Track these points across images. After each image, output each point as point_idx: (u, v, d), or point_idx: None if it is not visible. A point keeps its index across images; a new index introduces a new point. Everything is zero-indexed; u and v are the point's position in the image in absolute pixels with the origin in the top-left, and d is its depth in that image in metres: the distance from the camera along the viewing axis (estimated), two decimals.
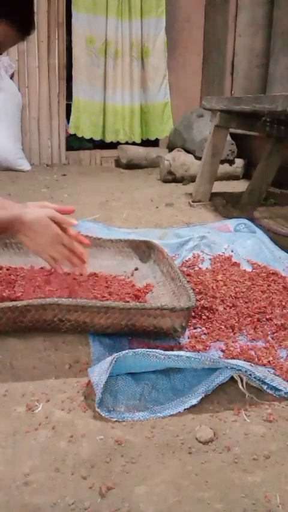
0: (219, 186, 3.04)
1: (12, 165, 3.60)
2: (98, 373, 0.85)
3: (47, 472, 0.70)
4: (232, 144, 3.47)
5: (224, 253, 1.58)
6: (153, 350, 0.89)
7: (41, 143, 4.06)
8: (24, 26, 0.95)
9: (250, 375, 0.90)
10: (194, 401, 0.85)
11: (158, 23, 4.14)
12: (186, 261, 1.53)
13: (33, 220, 1.05)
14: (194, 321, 1.15)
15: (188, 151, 3.48)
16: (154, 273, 1.37)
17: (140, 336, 1.06)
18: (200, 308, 1.19)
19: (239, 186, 3.20)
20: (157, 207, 2.51)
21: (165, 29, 4.16)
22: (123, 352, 0.87)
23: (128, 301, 1.19)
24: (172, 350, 1.00)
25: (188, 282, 1.16)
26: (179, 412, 0.84)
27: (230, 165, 3.49)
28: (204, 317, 1.17)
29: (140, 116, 4.26)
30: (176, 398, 0.87)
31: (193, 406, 0.85)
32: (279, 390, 0.90)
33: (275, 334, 1.12)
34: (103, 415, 0.81)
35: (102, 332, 1.05)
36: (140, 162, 3.96)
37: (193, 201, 2.62)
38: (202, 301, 1.21)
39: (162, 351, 0.89)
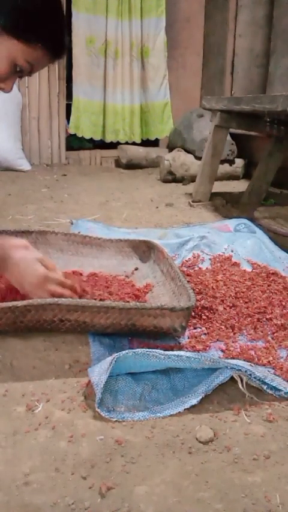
0: (219, 186, 3.04)
1: (12, 165, 3.60)
2: (98, 373, 0.85)
3: (47, 472, 0.70)
4: (232, 144, 3.47)
5: (224, 253, 1.58)
6: (153, 350, 0.89)
7: (41, 143, 4.06)
8: (57, 50, 0.98)
9: (250, 375, 0.90)
10: (194, 401, 0.85)
11: (158, 23, 4.14)
12: (186, 261, 1.53)
13: (19, 261, 1.06)
14: (194, 321, 1.15)
15: (188, 151, 3.48)
16: (154, 273, 1.37)
17: (140, 336, 1.06)
18: (200, 308, 1.19)
19: (239, 186, 3.20)
20: (157, 207, 2.51)
21: (165, 29, 4.16)
22: (123, 352, 0.87)
23: (128, 301, 1.19)
24: (172, 350, 1.00)
25: (188, 281, 1.16)
26: (179, 412, 0.84)
27: (230, 165, 3.49)
28: (204, 317, 1.17)
29: (140, 115, 4.26)
30: (176, 398, 0.87)
31: (193, 406, 0.85)
32: (279, 390, 0.90)
33: (275, 334, 1.12)
34: (103, 415, 0.81)
35: (102, 332, 1.05)
36: (140, 162, 3.96)
37: (193, 201, 2.62)
38: (202, 301, 1.21)
39: (162, 351, 0.89)
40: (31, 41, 0.93)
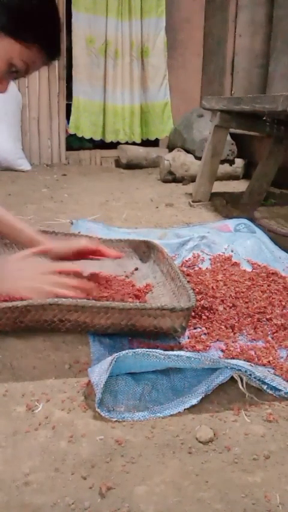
0: (219, 186, 3.04)
1: (12, 165, 3.60)
2: (98, 373, 0.85)
3: (47, 472, 0.70)
4: (232, 144, 3.47)
5: (224, 253, 1.58)
6: (153, 350, 0.89)
7: (41, 143, 4.06)
8: (52, 51, 0.99)
9: (250, 375, 0.90)
10: (194, 401, 0.85)
11: (158, 23, 4.14)
12: (186, 261, 1.53)
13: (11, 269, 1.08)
14: (194, 321, 1.15)
15: (188, 151, 3.48)
16: (154, 273, 1.37)
17: (140, 336, 1.06)
18: (200, 308, 1.19)
19: (239, 186, 3.20)
20: (157, 207, 2.51)
21: (165, 29, 4.16)
22: (123, 352, 0.87)
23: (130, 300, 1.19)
24: (172, 350, 1.00)
25: (188, 281, 1.16)
26: (179, 412, 0.84)
27: (230, 165, 3.49)
28: (204, 317, 1.17)
29: (140, 116, 4.26)
30: (176, 398, 0.87)
31: (193, 406, 0.85)
32: (279, 390, 0.90)
33: (275, 334, 1.12)
34: (103, 415, 0.81)
35: (102, 332, 1.05)
36: (140, 162, 3.96)
37: (193, 201, 2.62)
38: (202, 301, 1.21)
39: (162, 351, 0.89)
40: (27, 41, 0.94)
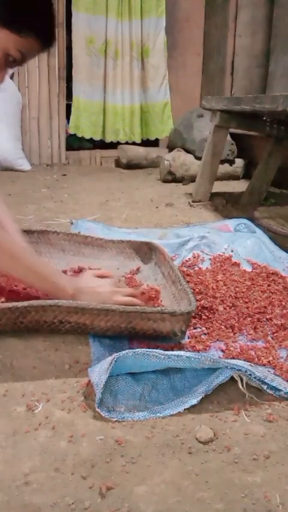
0: (219, 186, 3.04)
1: (12, 165, 3.60)
2: (98, 373, 0.85)
3: (47, 472, 0.70)
4: (232, 144, 3.47)
5: (224, 253, 1.58)
6: (154, 350, 0.89)
7: (41, 143, 4.06)
8: (47, 39, 1.00)
9: (250, 375, 0.90)
10: (194, 401, 0.85)
11: (158, 23, 4.13)
12: (186, 261, 1.53)
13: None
14: (194, 321, 1.15)
15: (188, 151, 3.48)
16: (155, 275, 1.37)
17: (140, 338, 1.06)
18: (200, 308, 1.19)
19: (239, 186, 3.20)
20: (157, 207, 2.51)
21: (165, 29, 4.16)
22: (123, 352, 0.87)
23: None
24: (172, 350, 1.00)
25: (187, 282, 1.15)
26: (179, 412, 0.84)
27: (230, 165, 3.49)
28: (204, 317, 1.17)
29: (140, 116, 4.26)
30: (176, 398, 0.87)
31: (193, 406, 0.85)
32: (279, 390, 0.90)
33: (275, 334, 1.12)
34: (103, 415, 0.82)
35: (102, 334, 1.05)
36: (140, 162, 3.96)
37: (193, 201, 2.62)
38: (202, 301, 1.21)
39: (162, 351, 0.89)
40: (22, 31, 0.95)
